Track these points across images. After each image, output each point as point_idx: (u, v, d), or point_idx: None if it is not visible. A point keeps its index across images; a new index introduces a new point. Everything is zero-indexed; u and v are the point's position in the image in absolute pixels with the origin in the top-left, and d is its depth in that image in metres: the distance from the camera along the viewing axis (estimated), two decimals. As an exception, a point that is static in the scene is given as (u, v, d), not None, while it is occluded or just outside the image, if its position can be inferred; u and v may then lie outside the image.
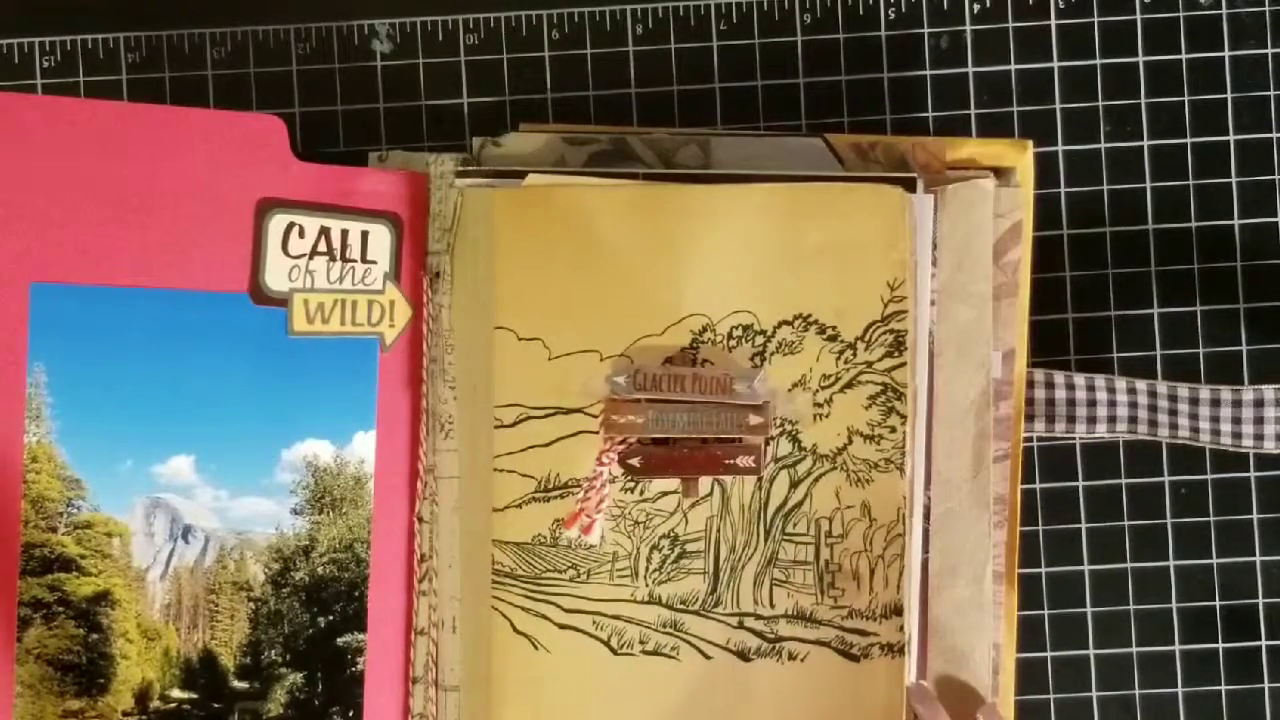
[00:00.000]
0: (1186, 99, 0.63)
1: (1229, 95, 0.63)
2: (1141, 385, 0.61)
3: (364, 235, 0.59)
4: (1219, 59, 0.63)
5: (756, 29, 0.63)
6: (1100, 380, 0.60)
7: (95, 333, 0.57)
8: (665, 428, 0.57)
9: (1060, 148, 0.63)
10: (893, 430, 0.57)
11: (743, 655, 0.58)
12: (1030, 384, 0.60)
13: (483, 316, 0.59)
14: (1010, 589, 0.59)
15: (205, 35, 0.63)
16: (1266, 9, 0.63)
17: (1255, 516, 0.63)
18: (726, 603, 0.58)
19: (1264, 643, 0.63)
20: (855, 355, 0.57)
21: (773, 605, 0.58)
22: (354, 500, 0.60)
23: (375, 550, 0.60)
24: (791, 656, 0.58)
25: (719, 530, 0.58)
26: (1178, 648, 0.63)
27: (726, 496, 0.58)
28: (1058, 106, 0.63)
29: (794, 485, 0.58)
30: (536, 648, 0.58)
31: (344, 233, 0.59)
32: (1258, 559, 0.63)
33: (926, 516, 0.58)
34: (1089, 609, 0.63)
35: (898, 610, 0.57)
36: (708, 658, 0.58)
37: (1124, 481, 0.63)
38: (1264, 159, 0.63)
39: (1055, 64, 0.63)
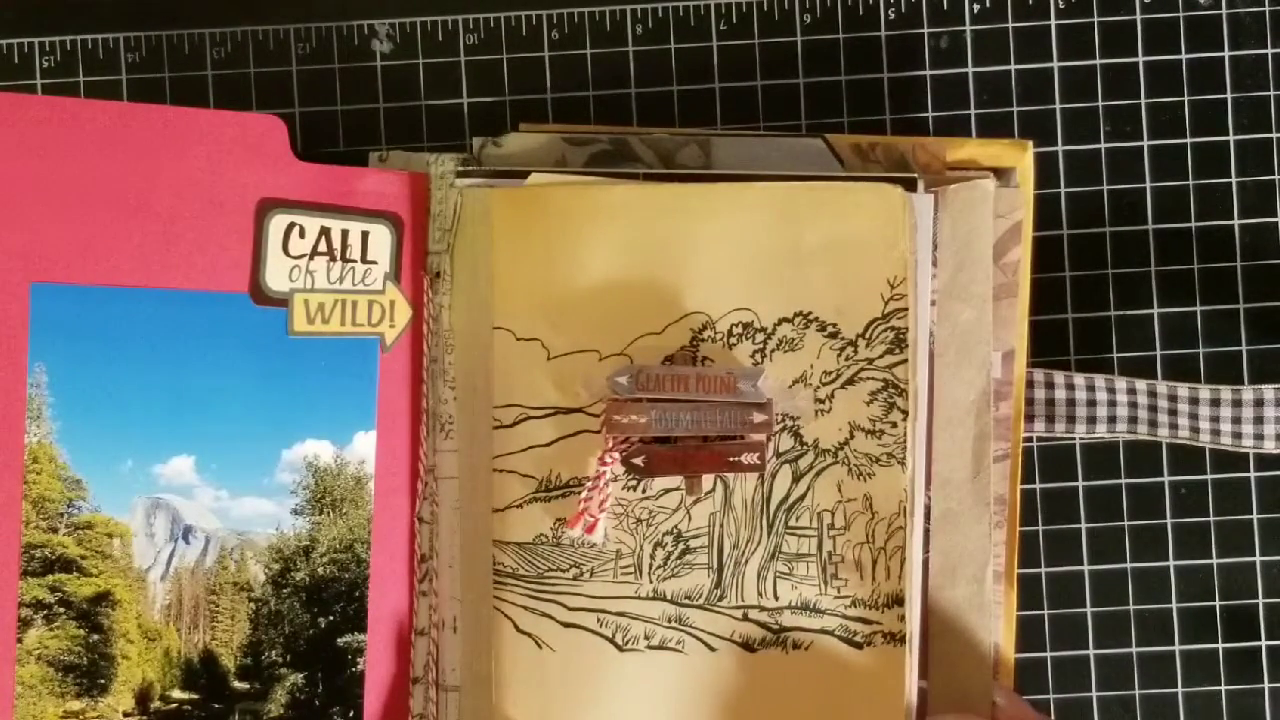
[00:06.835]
0: (1186, 99, 0.63)
1: (1229, 95, 0.63)
2: (1141, 385, 0.61)
3: (364, 235, 0.59)
4: (1219, 59, 0.63)
5: (756, 29, 0.63)
6: (1100, 380, 0.60)
7: (95, 333, 0.57)
8: (668, 427, 0.57)
9: (1060, 148, 0.63)
10: (894, 425, 0.57)
11: (748, 646, 0.58)
12: (1030, 384, 0.60)
13: (482, 317, 0.59)
14: (1010, 589, 0.59)
15: (205, 35, 0.63)
16: (1266, 9, 0.63)
17: (1255, 516, 0.63)
18: (731, 596, 0.58)
19: (1264, 643, 0.63)
20: (856, 352, 0.57)
21: (777, 597, 0.58)
22: (354, 500, 0.59)
23: (375, 550, 0.60)
24: (796, 645, 0.58)
25: (722, 525, 0.58)
26: (1178, 648, 0.63)
27: (729, 492, 0.58)
28: (1058, 106, 0.63)
29: (796, 480, 0.58)
30: (540, 647, 0.58)
31: (344, 233, 0.59)
32: (1258, 559, 0.63)
33: (927, 516, 0.58)
34: (1089, 609, 0.63)
35: (899, 600, 0.57)
36: (712, 650, 0.58)
37: (1124, 481, 0.63)
38: (1264, 159, 0.63)
39: (1055, 64, 0.63)
